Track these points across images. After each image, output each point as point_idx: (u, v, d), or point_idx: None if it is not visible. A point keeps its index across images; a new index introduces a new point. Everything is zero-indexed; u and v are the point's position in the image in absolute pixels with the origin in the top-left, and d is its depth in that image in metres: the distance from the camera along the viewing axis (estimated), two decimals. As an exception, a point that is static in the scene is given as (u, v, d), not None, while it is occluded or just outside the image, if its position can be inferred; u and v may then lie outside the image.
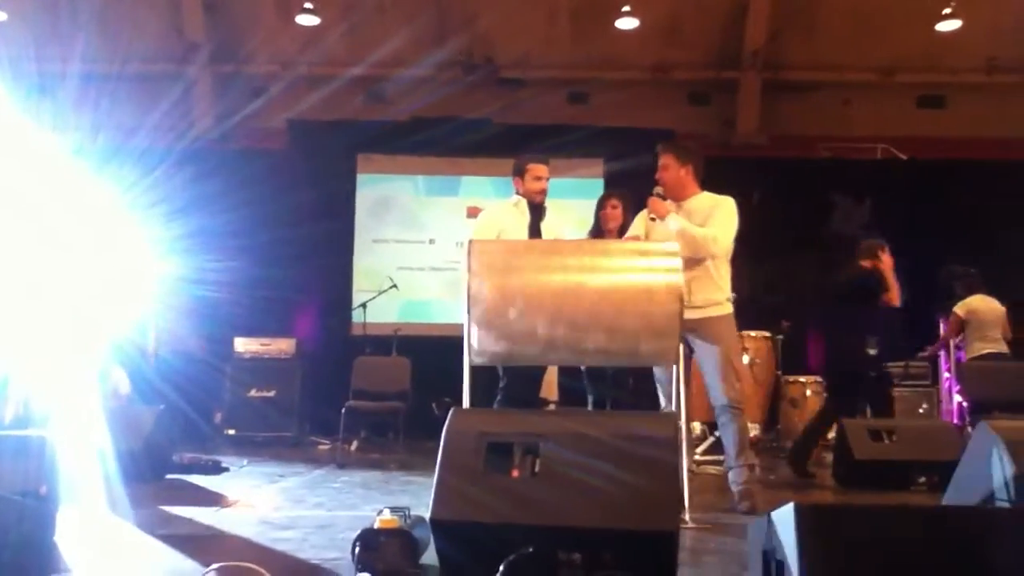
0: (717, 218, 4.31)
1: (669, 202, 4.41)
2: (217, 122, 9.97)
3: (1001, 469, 3.08)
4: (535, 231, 4.83)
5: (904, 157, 9.69)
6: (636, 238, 4.45)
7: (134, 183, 7.45)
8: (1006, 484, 3.03)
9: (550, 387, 6.87)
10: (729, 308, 4.42)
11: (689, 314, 4.26)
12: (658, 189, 4.43)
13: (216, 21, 9.84)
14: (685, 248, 4.11)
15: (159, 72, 9.79)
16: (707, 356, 4.33)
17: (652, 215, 4.41)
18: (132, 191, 7.35)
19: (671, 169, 4.43)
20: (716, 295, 4.35)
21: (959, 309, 7.12)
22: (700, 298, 4.31)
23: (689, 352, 4.41)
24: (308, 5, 9.16)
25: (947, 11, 9.13)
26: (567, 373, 6.78)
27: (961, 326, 7.14)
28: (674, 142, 4.56)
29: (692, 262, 4.26)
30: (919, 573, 1.98)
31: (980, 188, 8.97)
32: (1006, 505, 2.93)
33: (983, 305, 7.07)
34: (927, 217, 9.04)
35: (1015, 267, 8.17)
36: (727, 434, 4.31)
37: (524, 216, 4.84)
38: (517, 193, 4.90)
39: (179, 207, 7.91)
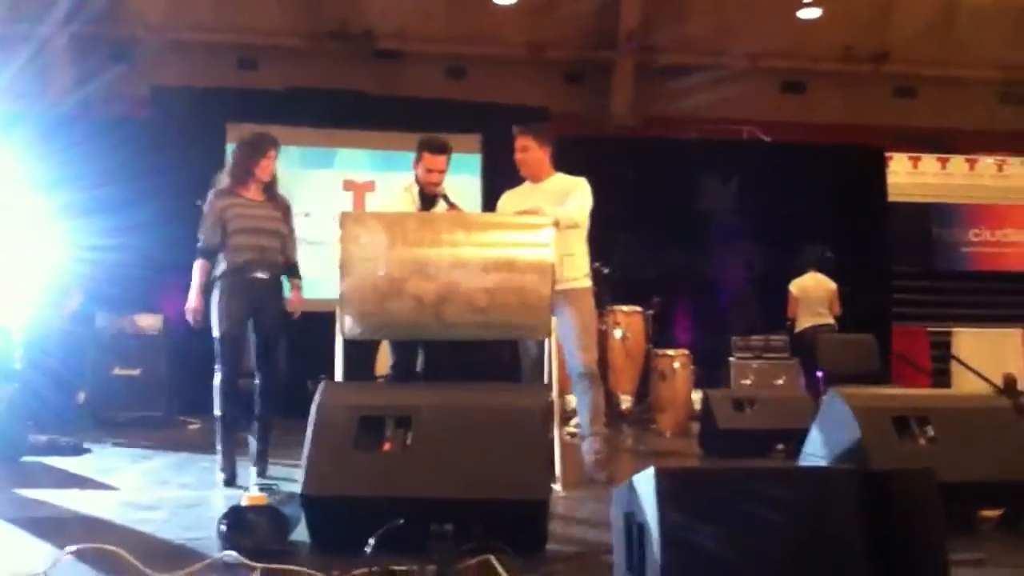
0: (572, 199, 4.43)
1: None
2: (76, 88, 9.42)
3: (846, 433, 3.29)
4: None
5: (768, 140, 10.11)
6: (534, 211, 4.29)
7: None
8: (851, 447, 3.25)
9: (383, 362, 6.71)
10: (586, 283, 4.55)
11: None
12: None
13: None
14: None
15: (9, 33, 9.15)
16: (565, 326, 4.39)
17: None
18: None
19: (532, 151, 4.54)
20: (573, 271, 4.46)
21: (792, 286, 7.97)
22: (560, 275, 4.40)
23: None
24: (174, -33, 8.76)
25: (807, 0, 9.57)
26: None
27: (795, 302, 7.93)
28: (532, 125, 4.66)
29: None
30: (771, 531, 2.10)
31: (834, 171, 9.48)
32: (851, 467, 3.13)
33: (812, 282, 7.92)
34: (788, 198, 9.50)
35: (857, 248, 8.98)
36: (583, 403, 4.42)
37: (415, 201, 4.71)
38: (415, 178, 4.75)
39: (38, 178, 7.47)
